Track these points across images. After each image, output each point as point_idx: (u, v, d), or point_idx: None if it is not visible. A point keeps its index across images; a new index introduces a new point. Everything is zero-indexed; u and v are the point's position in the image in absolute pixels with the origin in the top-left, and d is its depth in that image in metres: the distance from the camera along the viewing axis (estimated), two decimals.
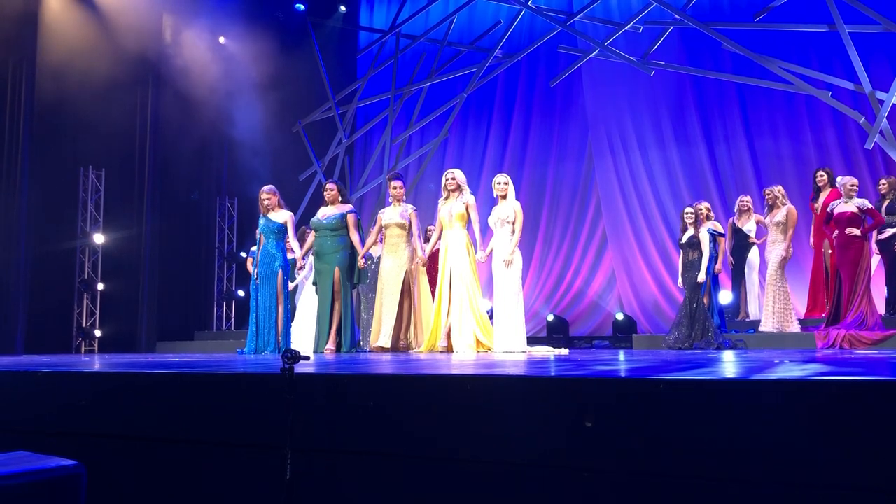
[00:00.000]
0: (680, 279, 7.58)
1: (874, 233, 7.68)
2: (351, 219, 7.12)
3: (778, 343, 7.27)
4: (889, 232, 7.67)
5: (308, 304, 7.87)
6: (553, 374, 2.36)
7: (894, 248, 7.69)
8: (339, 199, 7.23)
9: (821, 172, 8.17)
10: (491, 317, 6.62)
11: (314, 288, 7.33)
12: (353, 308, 7.24)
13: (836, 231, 7.08)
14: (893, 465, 1.61)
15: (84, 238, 10.35)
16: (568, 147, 12.10)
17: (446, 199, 6.80)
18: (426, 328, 6.85)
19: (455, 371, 2.62)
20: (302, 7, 13.01)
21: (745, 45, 9.73)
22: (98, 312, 10.35)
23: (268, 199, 7.08)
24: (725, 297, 8.66)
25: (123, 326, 10.33)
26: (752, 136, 10.84)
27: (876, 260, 7.76)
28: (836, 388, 1.73)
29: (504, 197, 6.59)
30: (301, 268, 7.78)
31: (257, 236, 7.26)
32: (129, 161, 10.67)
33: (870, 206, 7.02)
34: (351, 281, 7.14)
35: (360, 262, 7.09)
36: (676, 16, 10.28)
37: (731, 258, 8.74)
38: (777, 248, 7.95)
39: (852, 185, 7.07)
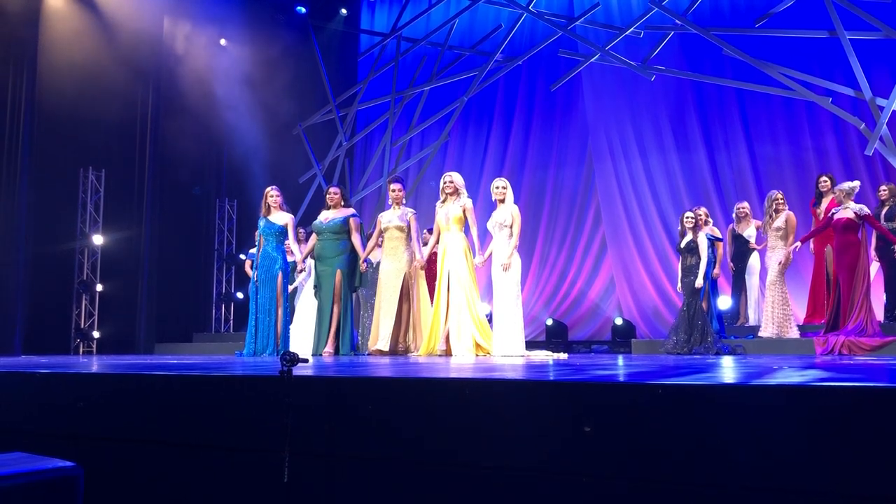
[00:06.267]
0: (679, 284, 7.58)
1: (873, 239, 7.68)
2: (353, 222, 7.17)
3: (777, 349, 7.27)
4: None
5: (307, 307, 7.87)
6: (552, 378, 2.36)
7: (893, 254, 7.68)
8: (342, 203, 7.27)
9: (824, 178, 8.18)
10: (490, 321, 6.61)
11: (314, 291, 7.34)
12: (352, 311, 7.25)
13: (834, 237, 7.09)
14: (893, 472, 1.60)
15: (83, 239, 10.34)
16: (568, 151, 12.10)
17: (444, 202, 6.80)
18: (425, 332, 6.84)
19: (453, 375, 2.62)
20: (303, 10, 13.02)
21: (745, 51, 9.74)
22: (97, 313, 10.33)
23: (274, 196, 7.12)
24: (724, 302, 8.66)
25: (122, 328, 10.32)
26: (753, 142, 10.84)
27: (875, 267, 7.76)
28: (835, 394, 1.73)
29: (502, 201, 6.58)
30: (301, 270, 7.79)
31: (257, 238, 7.27)
32: (129, 162, 10.67)
33: (867, 212, 7.01)
34: (352, 284, 7.17)
35: (362, 265, 7.13)
36: (677, 21, 10.30)
37: (731, 264, 8.75)
38: (777, 253, 7.94)
39: (840, 191, 7.09)
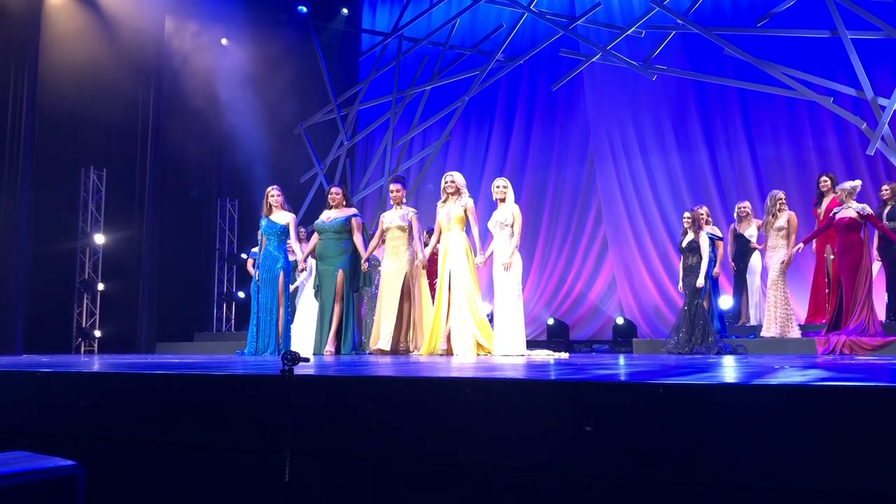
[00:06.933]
0: (680, 284, 7.58)
1: (875, 239, 7.68)
2: (355, 222, 7.21)
3: (778, 348, 7.27)
4: None
5: (308, 306, 7.87)
6: (553, 377, 2.36)
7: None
8: (343, 203, 7.29)
9: (824, 178, 8.19)
10: (491, 320, 6.62)
11: (314, 291, 7.35)
12: (353, 310, 7.26)
13: (836, 237, 7.09)
14: (893, 472, 1.60)
15: (85, 238, 10.35)
16: (569, 151, 12.10)
17: (445, 201, 6.80)
18: (426, 331, 6.84)
19: (454, 374, 2.62)
20: (304, 9, 13.02)
21: (747, 51, 9.73)
22: (98, 313, 10.34)
23: (275, 196, 7.13)
24: (726, 301, 8.66)
25: (123, 327, 10.32)
26: (754, 142, 10.84)
27: (877, 266, 7.75)
28: (836, 394, 1.73)
29: (503, 200, 6.59)
30: (303, 270, 7.80)
31: (258, 238, 7.28)
32: (131, 161, 10.67)
33: (870, 211, 7.01)
34: (354, 284, 7.19)
35: (364, 265, 7.16)
36: (679, 20, 10.29)
37: (732, 263, 8.74)
38: (778, 253, 7.94)
39: (842, 191, 7.09)
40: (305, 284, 8.19)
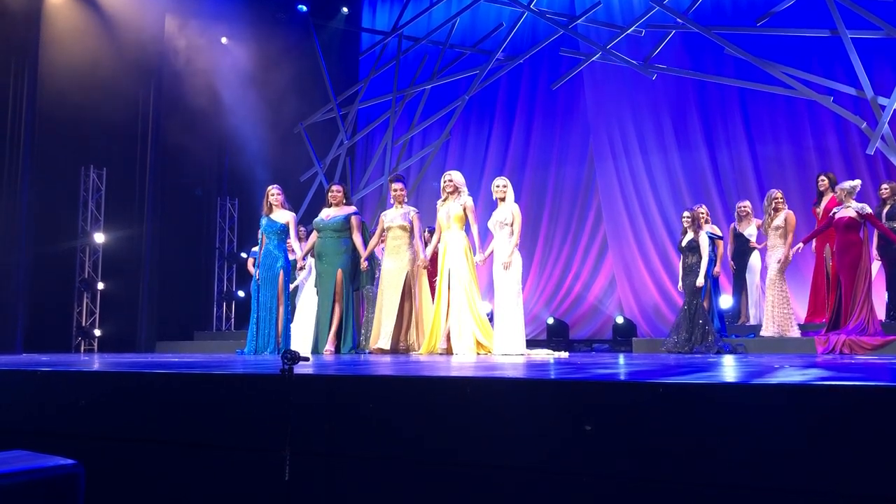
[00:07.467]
0: (680, 283, 7.58)
1: (874, 238, 7.67)
2: (355, 221, 7.19)
3: (778, 348, 7.27)
4: None
5: (308, 305, 7.88)
6: (552, 377, 2.36)
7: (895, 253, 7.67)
8: (344, 201, 7.28)
9: (822, 177, 8.19)
10: (491, 319, 6.62)
11: (315, 290, 7.35)
12: (353, 310, 7.26)
13: (836, 236, 7.09)
14: (893, 472, 1.60)
15: (85, 237, 10.35)
16: (569, 150, 12.09)
17: (444, 200, 6.81)
18: (426, 330, 6.84)
19: (454, 373, 2.62)
20: (304, 8, 13.02)
21: (747, 50, 9.73)
22: (98, 312, 10.34)
23: (275, 195, 7.14)
24: (726, 301, 8.66)
25: (123, 326, 10.33)
26: (754, 141, 10.84)
27: (877, 265, 7.75)
28: (836, 393, 1.73)
29: (503, 199, 6.59)
30: (301, 268, 7.80)
31: (259, 237, 7.29)
32: (131, 160, 10.67)
33: (869, 211, 7.01)
34: (354, 283, 7.18)
35: (363, 264, 7.15)
36: (679, 20, 10.29)
37: (732, 263, 8.74)
38: (777, 252, 7.94)
39: (841, 190, 7.09)
40: (305, 283, 8.20)
